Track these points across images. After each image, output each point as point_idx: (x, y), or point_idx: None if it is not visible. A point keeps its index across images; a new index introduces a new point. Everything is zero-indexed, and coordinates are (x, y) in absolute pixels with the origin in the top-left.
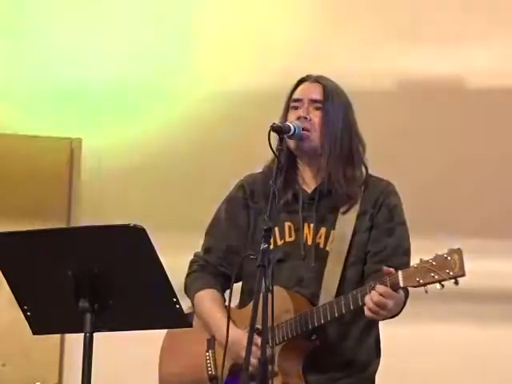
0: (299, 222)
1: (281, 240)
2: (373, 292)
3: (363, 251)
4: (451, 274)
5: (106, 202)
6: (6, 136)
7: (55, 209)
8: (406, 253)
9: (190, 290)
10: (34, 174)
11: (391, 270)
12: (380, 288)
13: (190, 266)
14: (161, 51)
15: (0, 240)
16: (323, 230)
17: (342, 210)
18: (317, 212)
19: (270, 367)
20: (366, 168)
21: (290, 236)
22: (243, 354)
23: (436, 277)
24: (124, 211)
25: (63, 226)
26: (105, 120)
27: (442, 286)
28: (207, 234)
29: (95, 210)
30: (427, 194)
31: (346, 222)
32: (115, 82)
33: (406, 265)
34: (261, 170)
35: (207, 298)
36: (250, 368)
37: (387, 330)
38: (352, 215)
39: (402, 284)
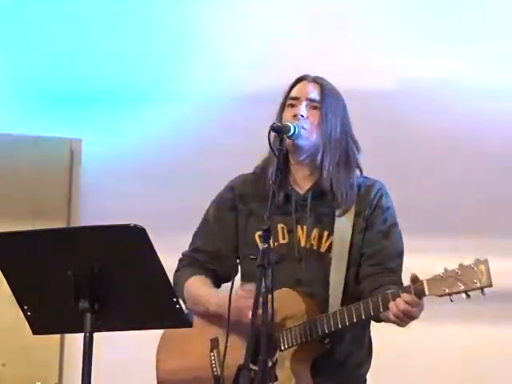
0: (292, 223)
1: (274, 242)
2: (398, 300)
3: (358, 252)
4: (478, 284)
5: (106, 202)
6: (6, 136)
7: (55, 209)
8: (400, 255)
9: (178, 283)
10: (34, 173)
11: (417, 276)
12: (406, 296)
13: (178, 264)
14: (160, 52)
15: (0, 240)
16: (316, 232)
17: (338, 211)
18: (310, 213)
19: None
20: (361, 170)
21: (284, 238)
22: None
23: (463, 287)
24: (124, 211)
25: (63, 225)
26: (105, 120)
27: (468, 296)
28: (196, 234)
29: (95, 210)
30: (427, 193)
31: (344, 224)
32: (115, 82)
33: (400, 267)
34: (251, 172)
35: (197, 281)
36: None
37: (385, 330)
38: (349, 216)
39: (427, 293)
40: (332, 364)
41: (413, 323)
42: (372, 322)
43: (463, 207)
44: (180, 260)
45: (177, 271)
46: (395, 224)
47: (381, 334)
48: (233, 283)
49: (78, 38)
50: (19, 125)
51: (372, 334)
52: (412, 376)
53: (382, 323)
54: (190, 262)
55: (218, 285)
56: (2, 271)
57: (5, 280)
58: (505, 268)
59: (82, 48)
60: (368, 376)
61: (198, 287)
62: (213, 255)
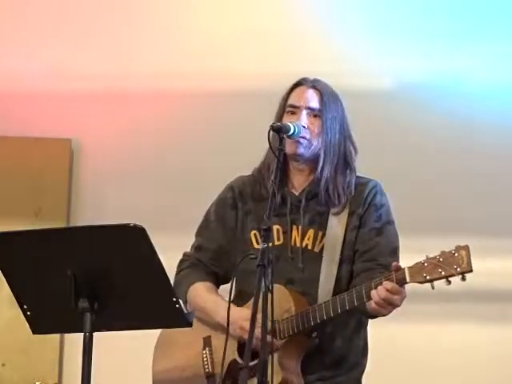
0: (287, 224)
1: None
2: (380, 288)
3: (352, 250)
4: (458, 270)
5: (106, 201)
6: (6, 136)
7: (55, 209)
8: (394, 252)
9: (182, 285)
10: (34, 173)
11: (399, 265)
12: (387, 284)
13: (180, 265)
14: (161, 51)
15: (0, 240)
16: (311, 232)
17: (332, 211)
18: (304, 214)
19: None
20: (355, 170)
21: (279, 239)
22: (246, 328)
23: (443, 273)
24: (124, 211)
25: (63, 225)
26: (104, 120)
27: (449, 282)
28: (197, 234)
29: (95, 210)
30: (426, 193)
31: (338, 223)
32: (115, 82)
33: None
34: (250, 173)
35: (203, 289)
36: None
37: (383, 330)
38: (343, 216)
39: (408, 280)
40: (326, 364)
41: (415, 324)
42: (369, 324)
43: (463, 207)
44: (182, 260)
45: (179, 272)
46: (390, 222)
47: (377, 334)
48: (232, 284)
49: (77, 38)
50: (19, 125)
51: (377, 334)
52: (411, 377)
53: (386, 323)
54: (193, 263)
55: (219, 286)
56: (2, 271)
57: (5, 279)
58: (505, 268)
59: (81, 47)
60: (364, 378)
61: (203, 295)
62: (215, 253)
